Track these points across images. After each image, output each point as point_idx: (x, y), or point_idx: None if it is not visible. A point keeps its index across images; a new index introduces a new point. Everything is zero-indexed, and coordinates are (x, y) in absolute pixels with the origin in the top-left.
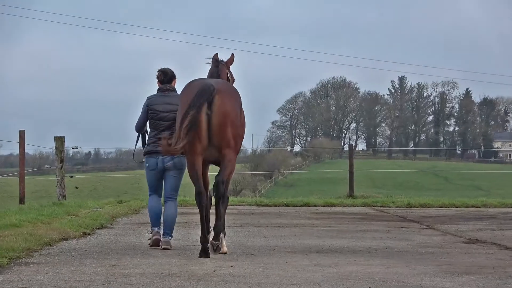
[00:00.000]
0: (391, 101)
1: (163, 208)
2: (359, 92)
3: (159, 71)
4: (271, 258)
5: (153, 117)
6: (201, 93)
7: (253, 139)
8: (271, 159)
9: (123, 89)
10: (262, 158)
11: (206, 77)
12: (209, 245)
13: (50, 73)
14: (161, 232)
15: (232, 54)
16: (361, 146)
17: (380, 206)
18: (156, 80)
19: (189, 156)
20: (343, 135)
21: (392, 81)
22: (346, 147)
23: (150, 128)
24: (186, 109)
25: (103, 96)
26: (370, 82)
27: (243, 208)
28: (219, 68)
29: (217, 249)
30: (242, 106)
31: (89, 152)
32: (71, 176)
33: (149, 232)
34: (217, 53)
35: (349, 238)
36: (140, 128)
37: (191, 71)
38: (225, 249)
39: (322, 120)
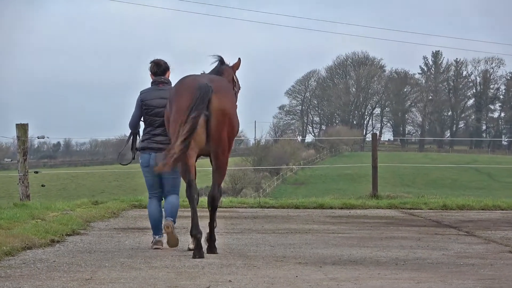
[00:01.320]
0: (423, 81)
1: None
2: (384, 71)
3: (151, 62)
4: (278, 271)
5: (148, 113)
6: (202, 96)
7: (256, 128)
8: (278, 151)
9: (99, 68)
10: (267, 150)
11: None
12: (203, 238)
13: (8, 47)
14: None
15: (239, 59)
16: (387, 135)
17: (410, 208)
18: (149, 72)
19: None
20: (365, 122)
21: (425, 57)
22: (369, 137)
23: (144, 124)
24: (187, 113)
25: (75, 76)
26: (398, 58)
27: (244, 210)
28: (224, 68)
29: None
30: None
31: (58, 143)
32: (36, 172)
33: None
34: (221, 57)
35: (372, 247)
36: (135, 125)
37: (181, 42)
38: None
39: (340, 105)
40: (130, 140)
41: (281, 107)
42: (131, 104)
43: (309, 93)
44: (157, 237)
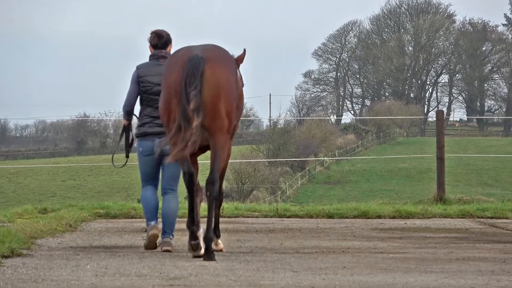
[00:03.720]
0: (510, 36)
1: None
2: (454, 22)
3: (152, 33)
4: None
5: (146, 91)
6: (192, 70)
7: (271, 104)
8: (303, 137)
9: (40, 19)
10: (287, 136)
11: None
12: (198, 233)
13: None
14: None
15: (244, 50)
16: (458, 114)
17: (491, 218)
18: (148, 44)
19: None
20: (427, 95)
21: None
22: (433, 116)
23: (141, 105)
24: (176, 98)
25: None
26: (473, 4)
27: (256, 221)
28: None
29: (197, 249)
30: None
31: None
32: None
33: (144, 230)
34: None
35: (438, 272)
36: (131, 104)
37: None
38: (221, 246)
39: (391, 70)
40: (124, 134)
41: (307, 74)
42: (99, 69)
43: (347, 54)
44: (152, 223)
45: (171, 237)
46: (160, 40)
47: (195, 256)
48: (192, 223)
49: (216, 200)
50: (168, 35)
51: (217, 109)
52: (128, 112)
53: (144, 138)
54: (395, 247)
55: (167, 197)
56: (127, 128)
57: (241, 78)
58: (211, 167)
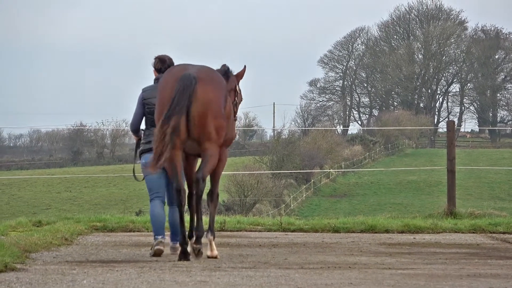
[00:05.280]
0: None
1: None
2: (466, 29)
3: (156, 58)
4: None
5: (150, 112)
6: (183, 88)
7: (275, 114)
8: (308, 148)
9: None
10: (291, 147)
11: None
12: (189, 248)
13: None
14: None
15: (244, 66)
16: (470, 125)
17: (503, 233)
18: (153, 69)
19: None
20: (438, 105)
21: None
22: (443, 127)
23: (146, 124)
24: (168, 112)
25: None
26: (486, 10)
27: (258, 235)
28: (230, 78)
29: (198, 253)
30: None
31: None
32: None
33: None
34: (225, 64)
35: None
36: (137, 124)
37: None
38: (215, 252)
39: (400, 79)
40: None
41: (313, 83)
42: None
43: (354, 62)
44: (159, 237)
45: (177, 244)
46: (163, 65)
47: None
48: (184, 241)
49: (210, 196)
50: (170, 59)
51: (204, 123)
52: (135, 130)
53: (148, 152)
54: (404, 262)
55: (172, 209)
56: (138, 143)
57: (240, 92)
58: (199, 168)
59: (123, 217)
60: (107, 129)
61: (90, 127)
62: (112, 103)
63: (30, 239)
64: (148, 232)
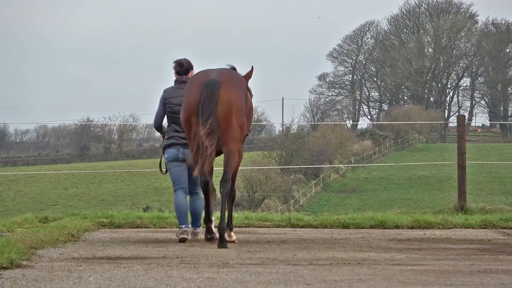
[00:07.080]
0: None
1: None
2: (477, 22)
3: (175, 62)
4: None
5: (170, 111)
6: (209, 93)
7: (284, 108)
8: (318, 143)
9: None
10: (300, 142)
11: None
12: (212, 226)
13: None
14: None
15: (252, 67)
16: (481, 119)
17: None
18: (173, 71)
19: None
20: (448, 99)
21: None
22: (454, 122)
23: (167, 121)
24: (202, 117)
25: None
26: (496, 4)
27: (267, 231)
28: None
29: (212, 240)
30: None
31: None
32: None
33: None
34: (233, 66)
35: (459, 285)
36: (159, 122)
37: None
38: (234, 237)
39: (410, 73)
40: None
41: (322, 77)
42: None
43: (363, 56)
44: (183, 226)
45: (198, 229)
46: (181, 68)
47: (209, 242)
48: (208, 220)
49: (228, 195)
50: (188, 63)
51: (229, 122)
52: (158, 128)
53: (170, 147)
54: (414, 258)
55: (193, 198)
56: (163, 139)
57: (250, 91)
58: (224, 169)
59: (130, 213)
60: (115, 124)
61: (97, 122)
62: (116, 99)
63: (36, 236)
64: (155, 228)
